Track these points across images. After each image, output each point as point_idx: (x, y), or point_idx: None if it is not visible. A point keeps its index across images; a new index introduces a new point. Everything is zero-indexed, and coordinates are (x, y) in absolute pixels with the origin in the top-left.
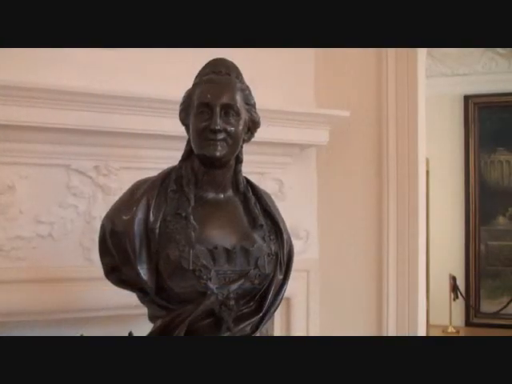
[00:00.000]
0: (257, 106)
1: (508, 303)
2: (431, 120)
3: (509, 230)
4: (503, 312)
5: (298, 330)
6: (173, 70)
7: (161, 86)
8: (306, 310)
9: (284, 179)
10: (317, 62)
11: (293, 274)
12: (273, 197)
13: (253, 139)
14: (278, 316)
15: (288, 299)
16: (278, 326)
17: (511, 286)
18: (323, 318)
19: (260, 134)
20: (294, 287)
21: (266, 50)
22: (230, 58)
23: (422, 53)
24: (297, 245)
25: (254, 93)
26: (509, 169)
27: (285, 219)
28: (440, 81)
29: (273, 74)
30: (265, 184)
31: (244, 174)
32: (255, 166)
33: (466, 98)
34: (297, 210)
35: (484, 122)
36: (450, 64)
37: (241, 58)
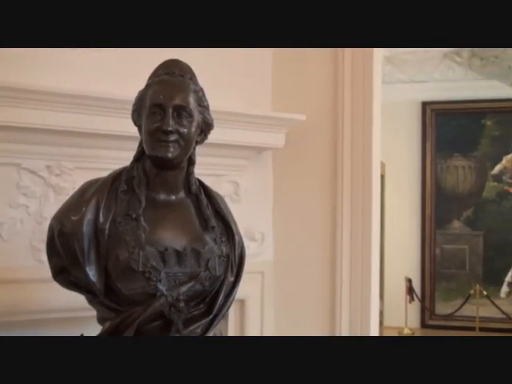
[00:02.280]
0: (214, 109)
1: (462, 305)
2: (389, 125)
3: (463, 234)
4: (457, 314)
5: (252, 332)
6: (127, 69)
7: (116, 86)
8: (261, 312)
9: (240, 182)
10: (274, 65)
11: (247, 276)
12: (228, 199)
13: (209, 141)
14: (232, 317)
15: (242, 301)
16: (232, 328)
17: (465, 288)
18: (277, 319)
19: (216, 136)
20: (249, 289)
21: (224, 51)
22: (187, 59)
23: (377, 57)
24: (252, 247)
25: (211, 95)
26: (464, 174)
27: (240, 221)
28: (399, 87)
29: (230, 76)
30: (221, 186)
31: (200, 176)
32: (211, 168)
33: (424, 105)
34: (252, 213)
35: (441, 128)
36: (408, 71)
37: (198, 59)
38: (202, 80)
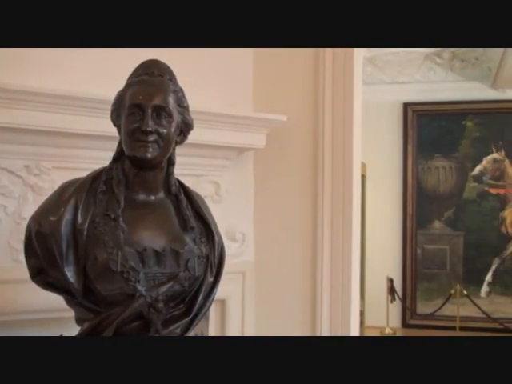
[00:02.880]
0: (195, 109)
1: (443, 305)
2: (371, 126)
3: (444, 234)
4: (438, 313)
5: (233, 332)
6: (107, 69)
7: (95, 86)
8: (242, 312)
9: (221, 182)
10: (255, 65)
11: (228, 277)
12: (209, 199)
13: (190, 141)
14: (213, 318)
15: (223, 301)
16: (212, 328)
17: (446, 288)
18: (258, 319)
19: (197, 137)
20: (230, 289)
21: (205, 51)
22: (168, 60)
23: (358, 57)
24: (232, 247)
25: (192, 95)
26: (445, 175)
27: (221, 222)
28: (380, 88)
29: (211, 77)
30: (201, 186)
31: (180, 177)
32: (192, 168)
33: (405, 106)
34: (233, 213)
35: (422, 129)
36: (390, 72)
37: (179, 60)
38: (183, 80)
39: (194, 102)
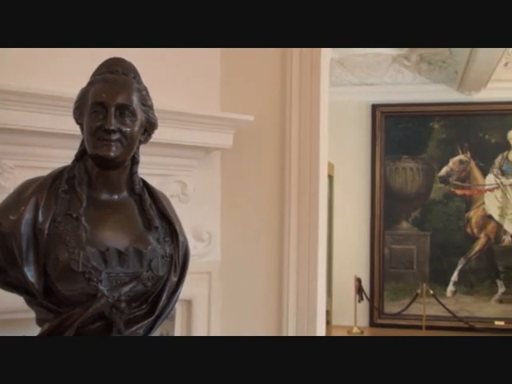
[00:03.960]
0: (162, 108)
1: (409, 304)
2: (340, 127)
3: (411, 234)
4: (405, 313)
5: (199, 332)
6: (70, 67)
7: (58, 84)
8: (208, 312)
9: (188, 181)
10: (222, 65)
11: (194, 276)
12: (176, 199)
13: (157, 141)
14: (179, 318)
15: (189, 301)
16: (178, 328)
17: (413, 287)
18: (224, 319)
19: (164, 136)
20: (196, 289)
21: (172, 51)
22: (135, 59)
23: (325, 57)
24: (199, 247)
25: (159, 95)
26: (412, 176)
27: (188, 221)
28: (349, 89)
29: (179, 76)
30: (168, 186)
31: (147, 176)
32: (159, 167)
33: (374, 107)
34: (200, 213)
35: (390, 130)
36: (359, 74)
37: (147, 59)
38: (150, 80)
39: (161, 101)
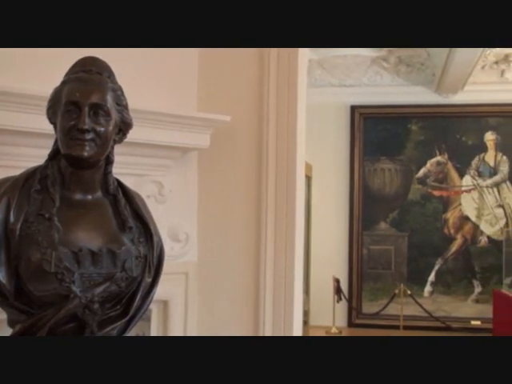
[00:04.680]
0: (139, 108)
1: (387, 304)
2: (319, 128)
3: (389, 234)
4: (383, 313)
5: (176, 333)
6: (44, 65)
7: (31, 82)
8: (184, 313)
9: (164, 182)
10: (200, 65)
11: (171, 277)
12: (152, 199)
13: (133, 141)
14: (155, 319)
15: (166, 302)
16: (154, 329)
17: (390, 288)
18: (201, 320)
19: (141, 136)
20: (172, 290)
21: (150, 50)
22: (112, 58)
23: (302, 58)
24: (176, 248)
25: (136, 95)
26: (390, 177)
27: (164, 222)
28: (328, 91)
29: (156, 76)
30: (144, 186)
31: (123, 176)
32: (135, 167)
33: (353, 109)
34: (177, 213)
35: (368, 131)
36: (338, 75)
37: (124, 59)
38: (127, 80)
39: (138, 101)
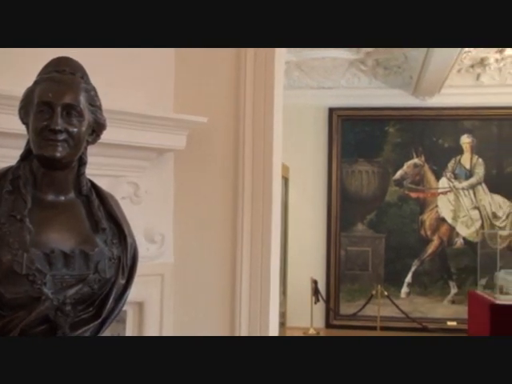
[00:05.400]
0: (115, 109)
1: (364, 305)
2: (297, 130)
3: (366, 236)
4: (360, 314)
5: (151, 334)
6: (17, 65)
7: (2, 81)
8: (160, 314)
9: (140, 183)
10: (177, 66)
11: (146, 279)
12: (128, 200)
13: (109, 142)
14: (131, 320)
15: (141, 303)
16: (130, 330)
17: (368, 289)
18: (177, 321)
19: (117, 137)
20: (148, 291)
21: (126, 51)
22: (88, 59)
23: (279, 58)
24: (151, 249)
25: (112, 95)
26: (368, 179)
27: (140, 223)
28: (307, 93)
29: (133, 77)
30: (120, 187)
31: (99, 177)
32: (111, 168)
33: (331, 111)
34: (152, 214)
35: (346, 133)
36: (316, 77)
37: (100, 59)
38: (103, 80)
39: (115, 102)
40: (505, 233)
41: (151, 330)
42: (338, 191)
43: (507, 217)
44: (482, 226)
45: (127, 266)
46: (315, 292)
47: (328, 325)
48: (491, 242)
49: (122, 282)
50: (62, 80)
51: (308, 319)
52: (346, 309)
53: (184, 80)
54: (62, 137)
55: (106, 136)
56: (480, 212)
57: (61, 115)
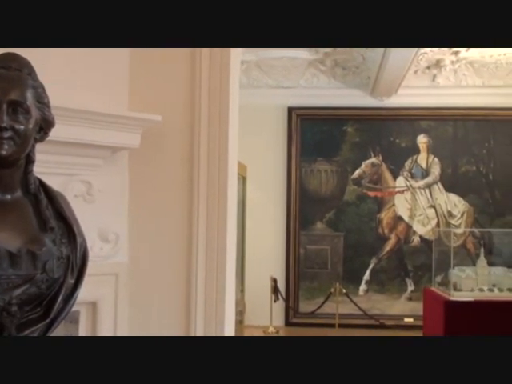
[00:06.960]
0: (68, 106)
1: (323, 303)
2: (256, 129)
3: (325, 234)
4: (319, 311)
5: (105, 334)
6: None
7: None
8: (114, 314)
9: (93, 181)
10: (132, 64)
11: (100, 278)
12: (81, 199)
13: (61, 140)
14: (84, 320)
15: (94, 303)
16: (83, 330)
17: (327, 287)
18: (132, 321)
19: (69, 135)
20: (102, 291)
21: (81, 50)
22: (41, 57)
23: (235, 58)
24: (105, 248)
25: (66, 93)
26: (327, 178)
27: (93, 222)
28: (266, 92)
29: (87, 75)
30: (72, 186)
31: (51, 175)
32: (63, 167)
33: (290, 110)
34: (106, 213)
35: (305, 133)
36: (275, 77)
37: (53, 57)
38: (57, 78)
39: (68, 99)
40: (459, 231)
41: (105, 330)
42: (298, 190)
43: (462, 215)
44: (438, 225)
45: (76, 265)
46: (275, 290)
47: (287, 323)
48: (446, 240)
49: (71, 281)
50: (8, 76)
51: (268, 318)
52: (306, 307)
53: (139, 79)
54: (7, 134)
55: (59, 134)
56: (436, 210)
57: (6, 112)
